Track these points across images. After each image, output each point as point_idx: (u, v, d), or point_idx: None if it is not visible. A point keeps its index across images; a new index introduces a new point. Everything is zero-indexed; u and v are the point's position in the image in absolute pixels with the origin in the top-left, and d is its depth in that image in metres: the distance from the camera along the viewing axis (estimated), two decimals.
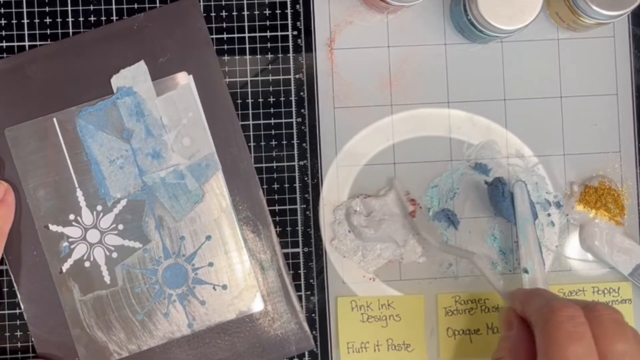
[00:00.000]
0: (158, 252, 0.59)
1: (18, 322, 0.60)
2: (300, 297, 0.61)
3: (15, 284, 0.59)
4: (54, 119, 0.59)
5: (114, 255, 0.59)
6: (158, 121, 0.59)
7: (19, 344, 0.60)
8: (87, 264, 0.59)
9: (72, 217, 0.59)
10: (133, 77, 0.59)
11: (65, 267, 0.59)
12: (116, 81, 0.59)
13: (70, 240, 0.59)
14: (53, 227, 0.59)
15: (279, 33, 0.61)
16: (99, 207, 0.59)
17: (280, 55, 0.61)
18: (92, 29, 0.60)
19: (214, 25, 0.61)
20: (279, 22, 0.61)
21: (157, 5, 0.60)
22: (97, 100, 0.59)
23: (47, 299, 0.59)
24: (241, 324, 0.59)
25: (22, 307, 0.59)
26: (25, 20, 0.60)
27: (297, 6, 0.61)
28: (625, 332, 0.49)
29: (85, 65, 0.59)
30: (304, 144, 0.61)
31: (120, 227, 0.59)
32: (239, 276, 0.59)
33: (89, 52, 0.59)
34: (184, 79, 0.59)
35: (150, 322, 0.59)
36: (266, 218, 0.60)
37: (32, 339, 0.59)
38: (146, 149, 0.59)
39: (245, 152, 0.60)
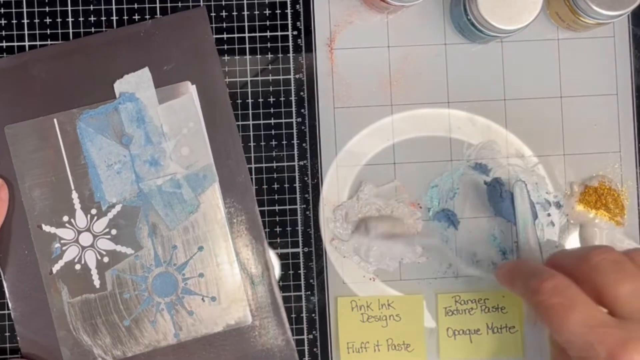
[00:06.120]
0: (149, 260, 0.59)
1: (7, 322, 0.59)
2: (297, 303, 0.61)
3: (4, 282, 0.59)
4: (55, 120, 0.59)
5: (105, 259, 0.59)
6: (158, 129, 0.59)
7: (7, 345, 0.60)
8: (77, 266, 0.59)
9: (65, 218, 0.59)
10: (136, 83, 0.59)
11: (55, 268, 0.59)
12: (119, 86, 0.59)
13: (62, 241, 0.59)
14: (46, 228, 0.59)
15: (279, 33, 0.61)
16: (94, 211, 0.59)
17: (280, 55, 0.61)
18: (92, 29, 0.60)
19: (214, 25, 0.61)
20: (279, 22, 0.61)
21: (157, 5, 0.60)
22: (98, 104, 0.59)
23: (35, 299, 0.59)
24: (228, 337, 0.59)
25: (9, 305, 0.59)
26: (25, 20, 0.60)
27: (297, 6, 0.61)
28: (625, 270, 0.47)
29: (90, 68, 0.59)
30: (304, 144, 0.61)
31: (114, 232, 0.59)
32: (228, 289, 0.59)
33: (94, 55, 0.59)
34: (187, 88, 0.59)
35: (136, 328, 0.59)
36: (260, 233, 0.60)
37: (18, 339, 0.59)
38: (144, 156, 0.59)
39: (244, 166, 0.60)
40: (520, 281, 0.51)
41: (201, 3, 0.61)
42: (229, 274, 0.59)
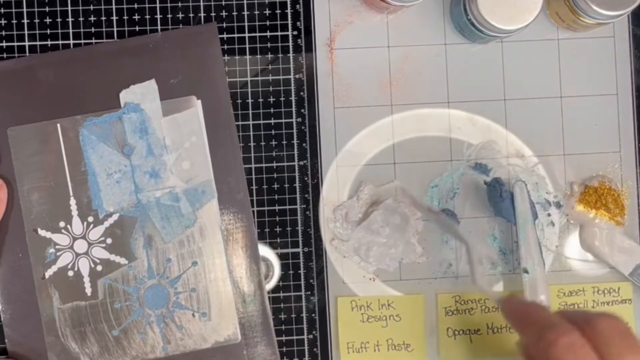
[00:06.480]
0: (142, 271, 0.59)
1: None
2: (297, 303, 0.61)
3: None
4: (58, 125, 0.59)
5: (99, 268, 0.59)
6: (161, 141, 0.59)
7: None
8: (70, 273, 0.59)
9: (62, 224, 0.59)
10: (142, 94, 0.59)
11: (48, 273, 0.59)
12: (125, 96, 0.59)
13: (57, 247, 0.59)
14: (42, 232, 0.59)
15: (279, 33, 0.61)
16: (90, 218, 0.59)
17: (280, 55, 0.61)
18: (92, 29, 0.60)
19: None
20: (279, 22, 0.61)
21: (157, 5, 0.60)
22: (103, 112, 0.59)
23: (26, 303, 0.59)
24: (216, 353, 0.59)
25: None
26: (25, 20, 0.60)
27: (297, 6, 0.61)
28: (630, 340, 0.47)
29: (97, 76, 0.59)
30: (304, 144, 0.61)
31: (109, 241, 0.59)
32: (220, 306, 0.59)
33: (102, 64, 0.59)
34: (192, 103, 0.59)
35: (125, 339, 0.59)
36: (256, 252, 0.60)
37: (6, 341, 0.59)
38: (145, 167, 0.59)
39: (243, 184, 0.60)
40: (533, 328, 0.50)
41: (201, 3, 0.61)
42: (222, 290, 0.59)
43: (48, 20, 0.60)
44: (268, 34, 0.61)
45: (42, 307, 0.59)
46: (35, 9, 0.60)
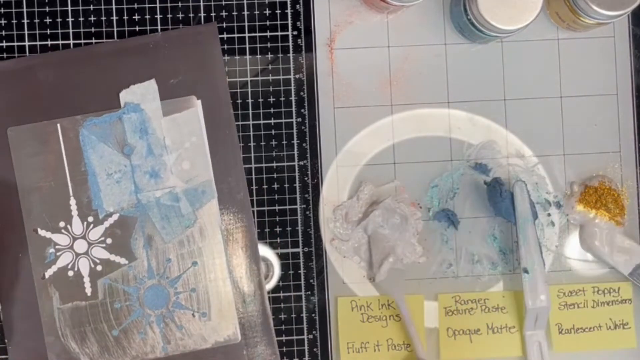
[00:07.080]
0: (142, 271, 0.59)
1: None
2: (297, 303, 0.61)
3: None
4: (58, 125, 0.59)
5: (99, 268, 0.59)
6: (161, 141, 0.59)
7: None
8: (70, 273, 0.59)
9: (62, 224, 0.59)
10: (142, 94, 0.59)
11: (48, 273, 0.59)
12: (125, 96, 0.59)
13: (57, 247, 0.59)
14: (42, 232, 0.59)
15: (279, 33, 0.61)
16: (90, 219, 0.59)
17: (280, 55, 0.61)
18: (92, 29, 0.60)
19: None
20: (279, 22, 0.61)
21: (157, 5, 0.60)
22: (103, 112, 0.59)
23: (25, 302, 0.59)
24: (216, 353, 0.59)
25: None
26: (25, 20, 0.60)
27: (297, 6, 0.61)
28: None
29: (97, 76, 0.59)
30: (304, 144, 0.61)
31: (109, 241, 0.59)
32: (220, 306, 0.59)
33: (102, 64, 0.59)
34: (192, 103, 0.59)
35: (125, 339, 0.59)
36: (256, 252, 0.60)
37: (6, 341, 0.59)
38: (145, 167, 0.59)
39: (243, 184, 0.60)
40: None
41: (201, 3, 0.61)
42: (222, 290, 0.59)
43: (48, 20, 0.60)
44: (268, 34, 0.61)
45: (42, 307, 0.59)
46: (35, 9, 0.60)
